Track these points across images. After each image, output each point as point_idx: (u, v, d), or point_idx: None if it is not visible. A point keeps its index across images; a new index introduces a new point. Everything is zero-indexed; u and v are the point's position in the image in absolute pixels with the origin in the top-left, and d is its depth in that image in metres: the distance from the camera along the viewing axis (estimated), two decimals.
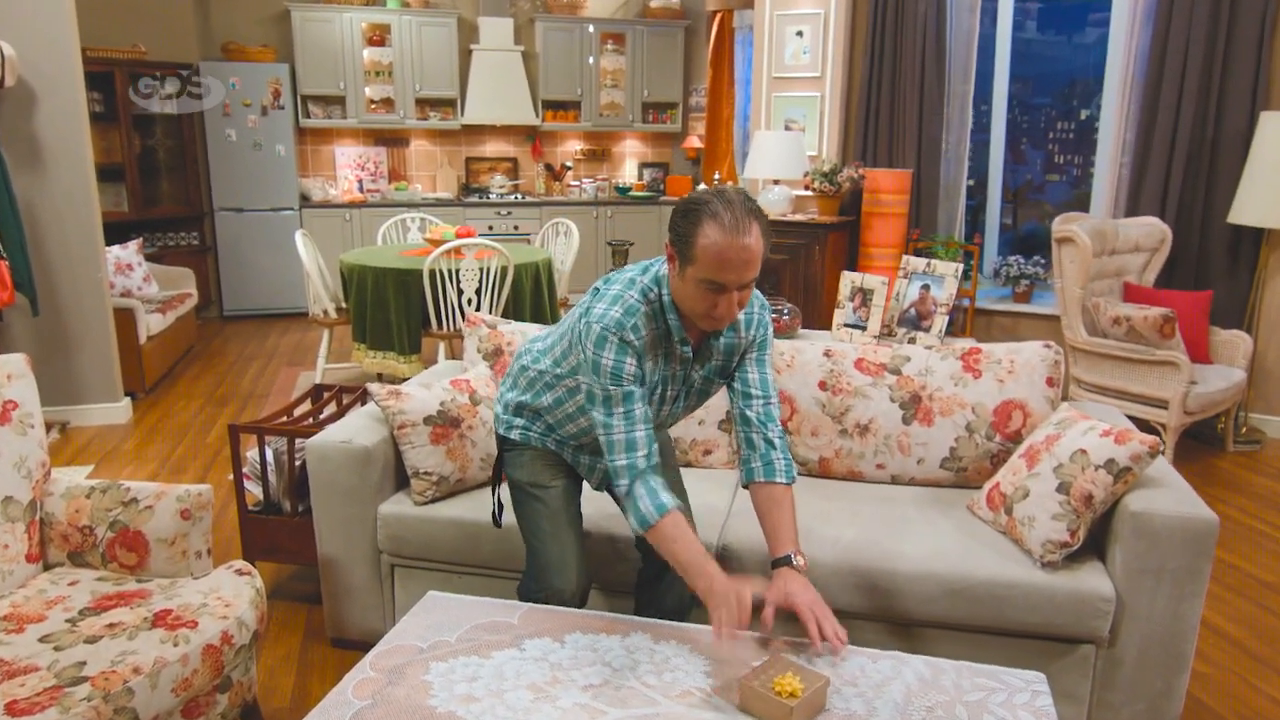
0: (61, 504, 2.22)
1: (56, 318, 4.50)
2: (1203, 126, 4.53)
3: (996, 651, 2.22)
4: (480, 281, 4.62)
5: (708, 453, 2.79)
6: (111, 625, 1.92)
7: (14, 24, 4.16)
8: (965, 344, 2.85)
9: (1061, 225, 4.28)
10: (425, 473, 2.52)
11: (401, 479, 2.64)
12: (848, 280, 3.12)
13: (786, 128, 5.44)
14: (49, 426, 4.38)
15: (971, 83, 5.28)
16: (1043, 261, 5.38)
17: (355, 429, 2.58)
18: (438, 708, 1.56)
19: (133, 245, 5.74)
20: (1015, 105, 5.67)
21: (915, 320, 3.06)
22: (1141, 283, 4.53)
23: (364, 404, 3.19)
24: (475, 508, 2.49)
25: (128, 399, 4.81)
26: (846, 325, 3.10)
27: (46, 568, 2.22)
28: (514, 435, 2.12)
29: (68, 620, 1.96)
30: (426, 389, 2.65)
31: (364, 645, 2.66)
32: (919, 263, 3.06)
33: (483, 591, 2.44)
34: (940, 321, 2.99)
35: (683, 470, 2.75)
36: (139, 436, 4.53)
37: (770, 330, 2.02)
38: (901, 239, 5.18)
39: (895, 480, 2.67)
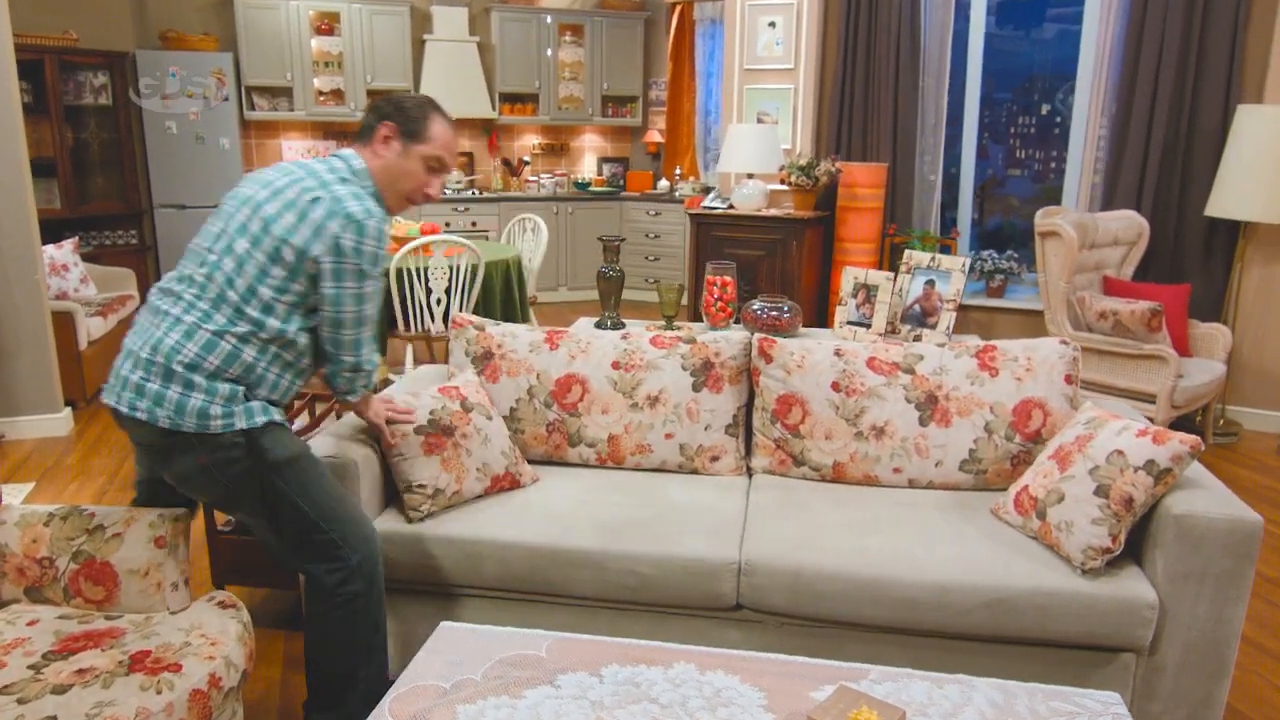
0: (16, 533, 1.98)
1: None
2: (1178, 120, 4.53)
3: (1035, 664, 2.12)
4: (450, 280, 4.41)
5: (715, 459, 2.65)
6: (82, 671, 1.71)
7: None
8: (974, 341, 2.76)
9: (1044, 219, 4.25)
10: (419, 486, 2.33)
11: (390, 495, 2.45)
12: (850, 276, 3.01)
13: (759, 120, 5.33)
14: None
15: (946, 78, 5.23)
16: (1016, 256, 5.36)
17: (339, 441, 2.37)
18: None
19: (68, 244, 5.37)
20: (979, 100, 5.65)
21: (920, 317, 2.95)
22: (1120, 276, 4.52)
23: (339, 414, 2.98)
24: (475, 524, 2.31)
25: (68, 409, 4.48)
26: (850, 323, 2.99)
27: (0, 606, 1.98)
28: (260, 419, 1.91)
29: (30, 666, 1.73)
30: (414, 397, 2.46)
31: None
32: (923, 257, 2.96)
33: (489, 617, 2.27)
34: (947, 318, 2.90)
35: (689, 478, 2.63)
36: (82, 450, 4.22)
37: None
38: (877, 234, 5.11)
39: (913, 484, 2.57)
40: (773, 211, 5.06)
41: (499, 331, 2.77)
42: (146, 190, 6.82)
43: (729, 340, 2.70)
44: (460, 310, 4.45)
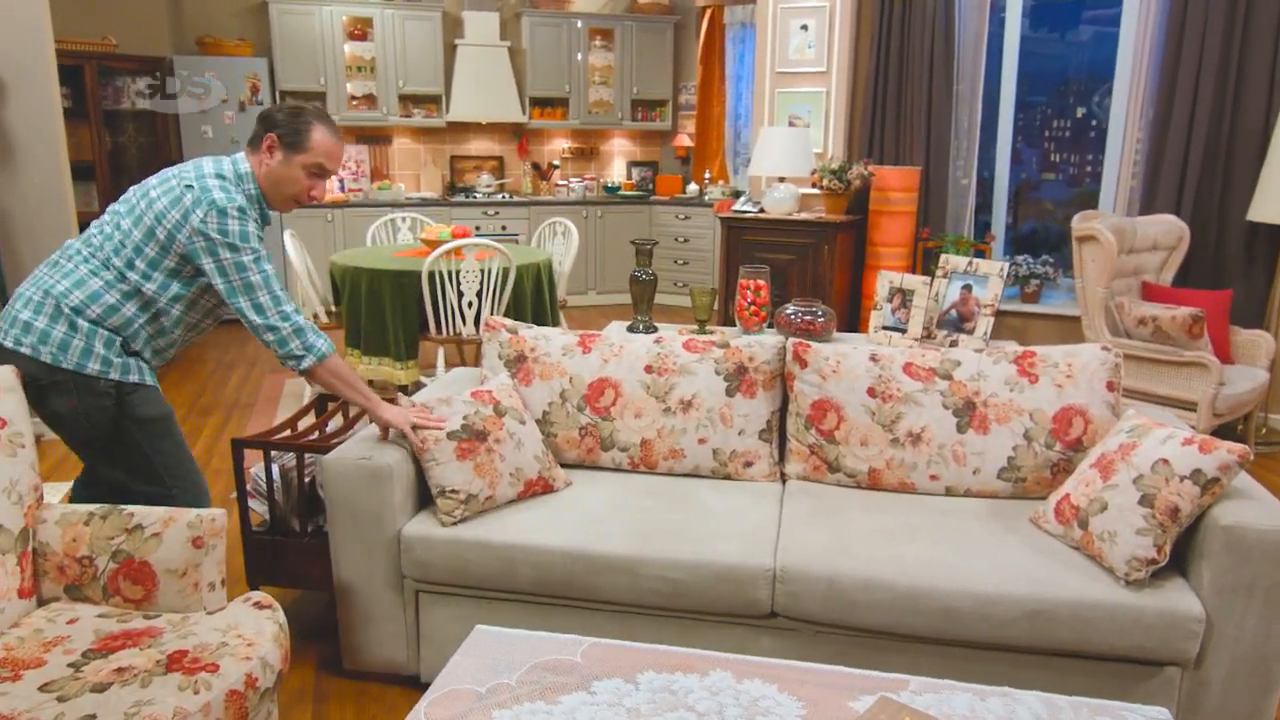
0: (56, 532, 2.00)
1: None
2: (1219, 123, 4.45)
3: (1077, 677, 2.08)
4: (481, 284, 4.42)
5: (748, 464, 2.63)
6: (121, 670, 1.72)
7: None
8: (1013, 346, 2.72)
9: (1081, 223, 4.18)
10: (452, 491, 2.33)
11: (424, 498, 2.45)
12: (885, 280, 2.97)
13: (790, 124, 5.30)
14: None
15: (980, 81, 5.17)
16: (1051, 261, 5.29)
17: (373, 444, 2.38)
18: None
19: None
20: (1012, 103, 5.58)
21: (957, 322, 2.92)
22: (1159, 282, 4.44)
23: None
24: (508, 529, 2.30)
25: None
26: (885, 328, 2.95)
27: (41, 603, 2.00)
28: (133, 378, 2.23)
29: (70, 665, 1.74)
30: (446, 404, 2.46)
31: (384, 677, 2.47)
32: (960, 262, 2.92)
33: (522, 620, 2.26)
34: (985, 323, 2.86)
35: (723, 483, 2.61)
36: None
37: None
38: (910, 238, 5.06)
39: (950, 492, 2.53)
40: (804, 215, 5.03)
41: (532, 335, 2.77)
42: None
43: (763, 345, 2.68)
44: (491, 313, 4.46)
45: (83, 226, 4.83)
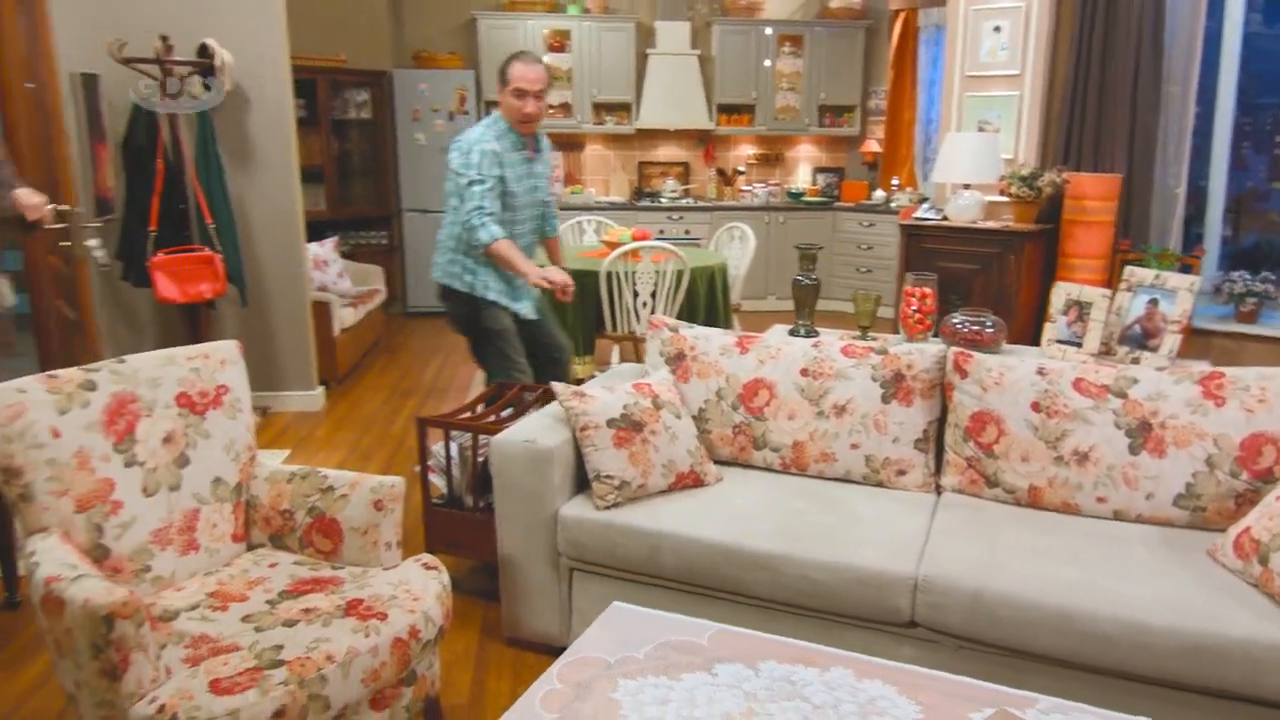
0: (265, 487, 2.30)
1: (261, 309, 4.79)
2: None
3: None
4: (656, 284, 4.57)
5: (901, 473, 2.61)
6: (307, 610, 1.96)
7: (232, 34, 4.45)
8: (1201, 366, 2.54)
9: None
10: (607, 476, 2.47)
11: (582, 482, 2.60)
12: (1061, 292, 2.85)
13: (980, 129, 5.11)
14: None
15: (1194, 83, 4.78)
16: (1273, 278, 4.82)
17: (538, 429, 2.56)
18: None
19: (329, 243, 6.05)
20: (1237, 106, 5.10)
21: (1140, 338, 2.75)
22: None
23: (544, 404, 3.19)
24: (657, 516, 2.41)
25: (321, 388, 5.06)
26: (1059, 341, 2.83)
27: (250, 548, 2.30)
28: (491, 296, 3.37)
29: (268, 601, 2.01)
30: (609, 391, 2.60)
31: (539, 647, 2.64)
32: (1147, 275, 2.75)
33: (664, 604, 2.36)
34: (1171, 341, 2.68)
35: (874, 490, 2.61)
36: (330, 424, 4.75)
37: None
38: (1107, 249, 4.75)
39: (1118, 516, 2.40)
40: (990, 224, 4.84)
41: (692, 334, 2.87)
42: (396, 195, 7.53)
43: (923, 353, 2.64)
44: (664, 314, 4.60)
45: (311, 224, 5.41)
